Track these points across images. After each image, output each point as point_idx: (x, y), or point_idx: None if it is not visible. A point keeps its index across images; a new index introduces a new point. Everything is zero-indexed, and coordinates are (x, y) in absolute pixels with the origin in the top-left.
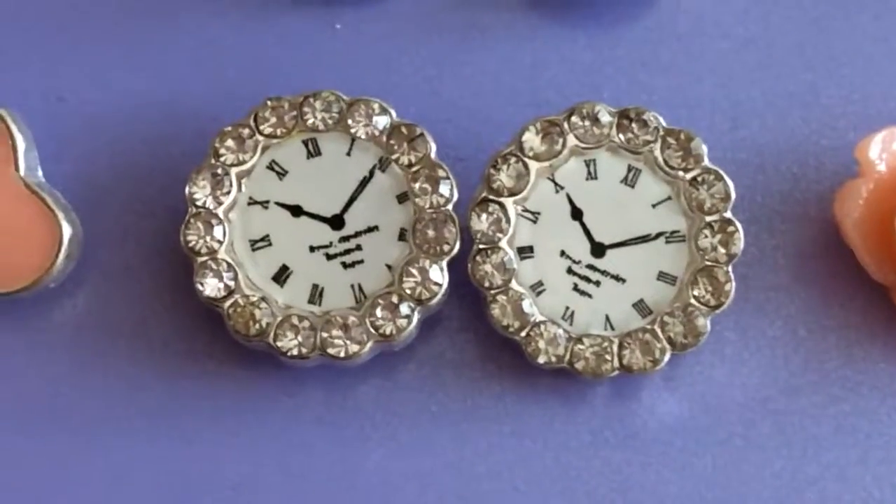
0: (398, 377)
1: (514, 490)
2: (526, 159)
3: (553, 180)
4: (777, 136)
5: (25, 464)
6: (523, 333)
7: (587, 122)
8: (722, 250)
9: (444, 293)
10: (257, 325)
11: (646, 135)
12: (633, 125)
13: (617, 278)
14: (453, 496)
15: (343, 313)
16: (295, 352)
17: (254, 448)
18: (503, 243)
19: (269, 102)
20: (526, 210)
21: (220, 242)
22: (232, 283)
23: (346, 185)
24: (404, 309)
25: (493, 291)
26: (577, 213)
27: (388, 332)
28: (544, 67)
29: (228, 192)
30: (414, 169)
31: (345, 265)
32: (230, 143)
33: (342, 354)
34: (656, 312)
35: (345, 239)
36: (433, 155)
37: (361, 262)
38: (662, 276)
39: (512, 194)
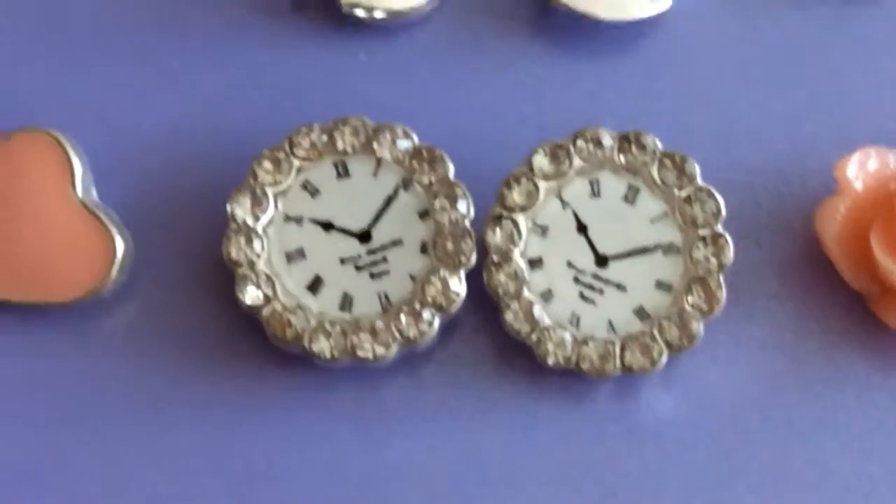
0: (420, 377)
1: (526, 480)
2: (536, 179)
3: (560, 198)
4: (764, 157)
5: (79, 460)
6: (534, 337)
7: (591, 146)
8: (714, 261)
9: (462, 301)
10: (293, 331)
11: (644, 156)
12: (633, 148)
13: (619, 287)
14: (470, 485)
15: (371, 319)
16: (327, 355)
17: (289, 442)
18: (515, 255)
19: (302, 129)
20: (536, 225)
21: (259, 256)
22: (270, 293)
23: (373, 203)
24: (426, 315)
25: (506, 299)
26: (582, 228)
27: (411, 336)
28: (551, 94)
29: (266, 210)
30: (434, 188)
31: (372, 276)
32: (267, 165)
33: (370, 357)
34: (654, 317)
35: (372, 252)
36: (451, 175)
37: (387, 272)
38: (660, 284)
39: (523, 210)
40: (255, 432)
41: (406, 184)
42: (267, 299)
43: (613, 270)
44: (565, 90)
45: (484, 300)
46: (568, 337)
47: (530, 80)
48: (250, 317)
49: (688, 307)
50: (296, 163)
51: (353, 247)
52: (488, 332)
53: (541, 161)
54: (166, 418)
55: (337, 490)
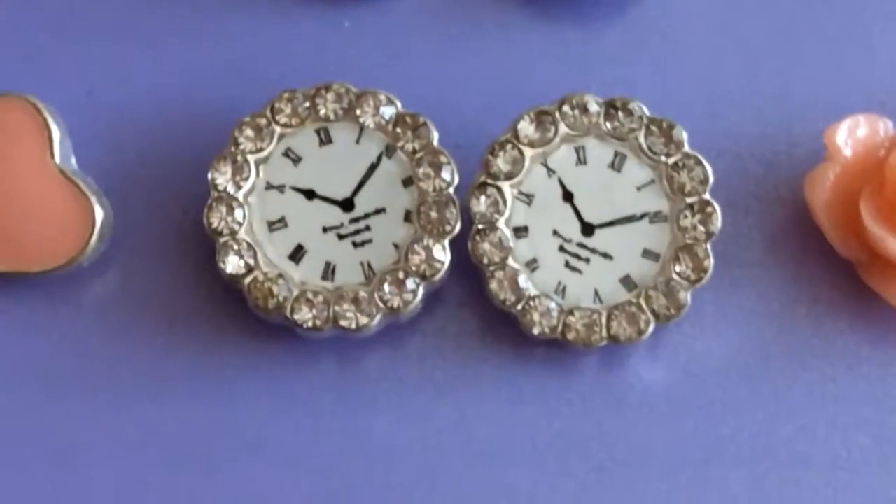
0: (404, 348)
1: (512, 451)
2: (521, 146)
3: (546, 165)
4: (752, 124)
5: (60, 429)
6: (519, 307)
7: (577, 112)
8: (701, 229)
9: (446, 270)
10: (275, 300)
11: (631, 123)
12: (619, 114)
13: (605, 255)
14: (454, 457)
15: (354, 288)
16: (310, 324)
17: (271, 412)
18: (500, 224)
19: (284, 95)
20: (521, 193)
21: (241, 224)
22: (251, 262)
23: (356, 171)
24: (410, 284)
25: (491, 268)
26: (568, 196)
27: (395, 305)
28: (537, 61)
29: (247, 178)
30: (418, 155)
31: (355, 244)
32: (249, 132)
33: (353, 326)
34: (641, 287)
35: (355, 220)
36: (435, 142)
37: (370, 241)
38: (647, 253)
39: (508, 178)
40: (237, 402)
41: (389, 151)
42: (248, 268)
43: (599, 239)
44: (551, 57)
45: (468, 269)
46: (553, 306)
47: (516, 47)
48: (232, 286)
49: (675, 276)
50: (277, 129)
51: (336, 215)
52: (473, 303)
53: (526, 127)
54: (147, 388)
55: (319, 460)
